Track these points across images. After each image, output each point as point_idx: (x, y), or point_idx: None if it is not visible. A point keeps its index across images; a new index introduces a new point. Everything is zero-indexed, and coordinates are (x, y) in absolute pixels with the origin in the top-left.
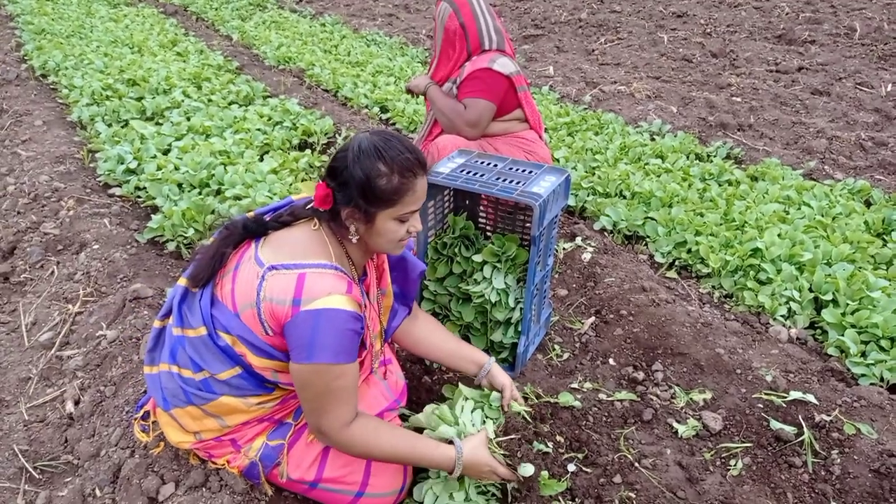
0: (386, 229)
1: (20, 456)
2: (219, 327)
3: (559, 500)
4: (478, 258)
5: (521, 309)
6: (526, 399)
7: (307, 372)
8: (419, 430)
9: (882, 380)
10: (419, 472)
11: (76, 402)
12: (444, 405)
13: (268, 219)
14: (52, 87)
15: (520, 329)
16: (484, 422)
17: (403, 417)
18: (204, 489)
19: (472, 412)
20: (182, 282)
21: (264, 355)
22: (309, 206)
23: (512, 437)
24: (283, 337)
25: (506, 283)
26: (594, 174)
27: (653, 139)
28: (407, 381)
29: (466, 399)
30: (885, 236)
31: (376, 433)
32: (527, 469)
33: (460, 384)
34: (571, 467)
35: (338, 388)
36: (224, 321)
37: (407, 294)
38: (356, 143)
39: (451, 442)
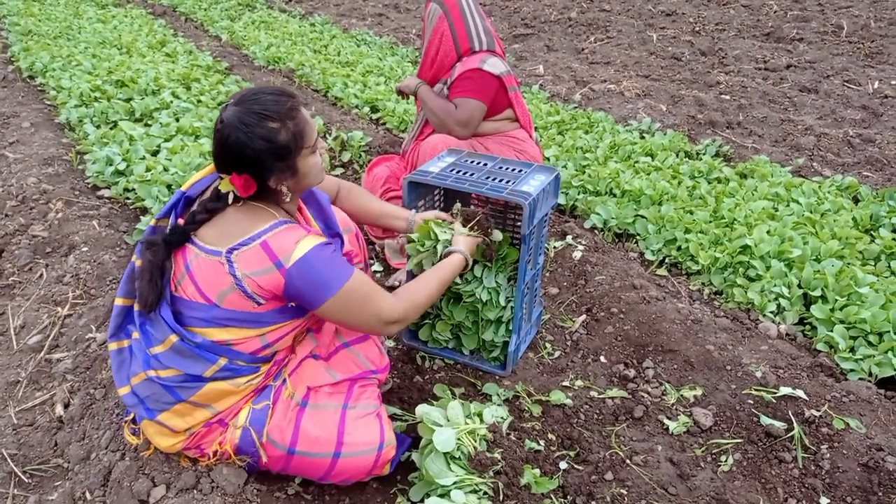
0: (309, 166)
1: (9, 460)
2: (195, 325)
3: (551, 498)
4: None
5: (511, 308)
6: (517, 398)
7: (334, 303)
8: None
9: (870, 375)
10: (406, 472)
11: (66, 406)
12: (426, 230)
13: (178, 219)
14: (39, 88)
15: (511, 328)
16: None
17: (395, 417)
18: (195, 491)
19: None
20: (121, 301)
21: (255, 326)
22: (231, 200)
23: (473, 222)
24: (277, 301)
25: (497, 281)
26: (584, 172)
27: (642, 137)
28: (398, 381)
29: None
30: (872, 232)
31: (413, 292)
32: (497, 234)
33: (430, 223)
34: (563, 465)
35: (364, 292)
36: (204, 315)
37: (329, 224)
38: (236, 122)
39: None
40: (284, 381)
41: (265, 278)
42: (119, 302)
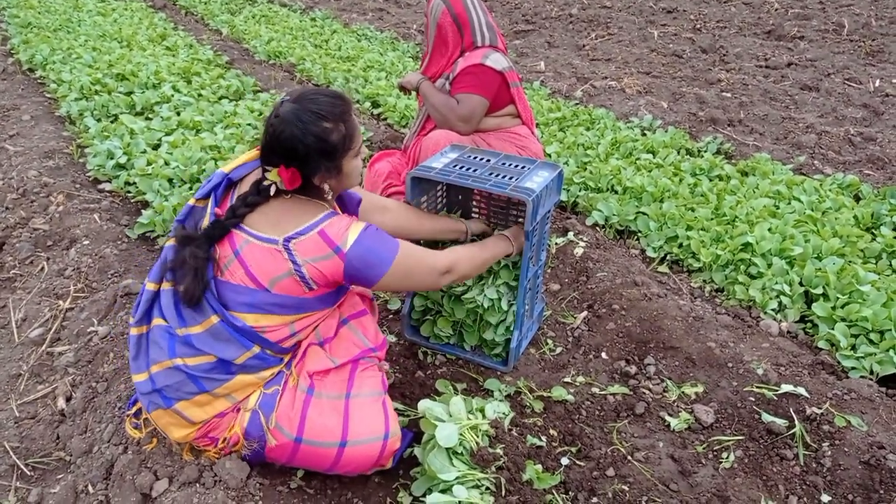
0: (352, 167)
1: (11, 453)
2: (238, 309)
3: (553, 494)
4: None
5: (513, 311)
6: (518, 394)
7: (392, 275)
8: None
9: (872, 372)
10: (409, 462)
11: (68, 399)
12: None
13: (215, 205)
14: (39, 81)
15: (511, 328)
16: None
17: (397, 412)
18: (198, 485)
19: None
20: (152, 286)
21: (293, 312)
22: (273, 192)
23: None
24: (328, 286)
25: (498, 291)
26: (586, 169)
27: (644, 134)
28: (400, 376)
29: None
30: (873, 230)
31: (456, 249)
32: None
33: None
34: (565, 461)
35: (414, 257)
36: (249, 299)
37: None
38: (293, 118)
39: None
40: (288, 365)
41: (325, 264)
42: (150, 287)
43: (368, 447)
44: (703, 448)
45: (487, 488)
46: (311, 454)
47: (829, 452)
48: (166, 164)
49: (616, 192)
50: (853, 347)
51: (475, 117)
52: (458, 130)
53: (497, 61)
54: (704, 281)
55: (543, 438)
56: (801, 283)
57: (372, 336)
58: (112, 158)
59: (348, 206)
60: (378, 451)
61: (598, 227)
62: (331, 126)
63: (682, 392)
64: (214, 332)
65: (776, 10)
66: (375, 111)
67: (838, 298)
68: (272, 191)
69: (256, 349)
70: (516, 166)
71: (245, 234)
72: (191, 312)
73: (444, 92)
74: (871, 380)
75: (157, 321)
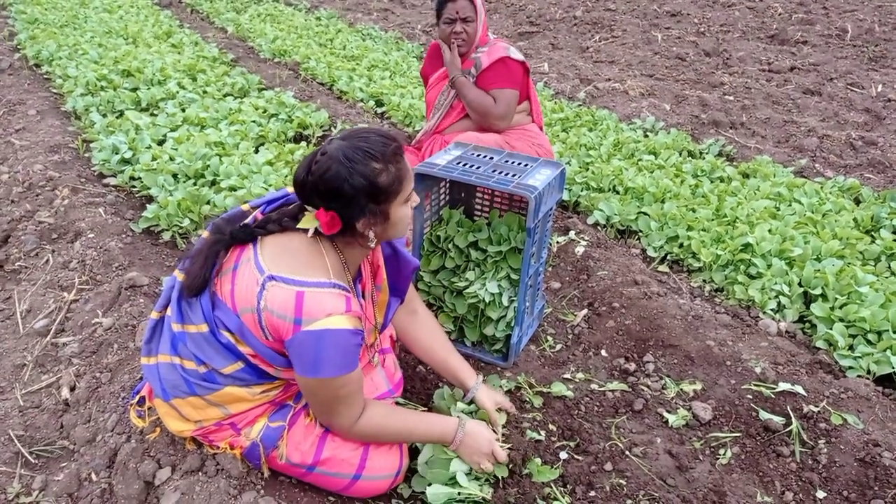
0: (400, 216)
1: (16, 441)
2: (220, 325)
3: (552, 487)
4: (482, 236)
5: (513, 307)
6: (518, 389)
7: (313, 384)
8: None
9: (869, 372)
10: (415, 458)
11: (72, 389)
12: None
13: (261, 216)
14: (45, 76)
15: (512, 324)
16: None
17: (401, 405)
18: (200, 473)
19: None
20: (179, 277)
21: (266, 356)
22: (311, 233)
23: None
24: (282, 345)
25: (499, 286)
26: (588, 169)
27: (646, 136)
28: (402, 370)
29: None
30: (873, 233)
31: (385, 420)
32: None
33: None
34: (564, 455)
35: (344, 394)
36: (226, 320)
37: (400, 288)
38: (340, 156)
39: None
40: (307, 405)
41: (279, 322)
42: (177, 274)
43: (380, 482)
44: (701, 444)
45: (487, 480)
46: (323, 480)
47: (825, 450)
48: (171, 159)
49: (617, 193)
50: (851, 347)
51: (511, 112)
52: (497, 127)
53: (517, 52)
54: (704, 280)
55: (543, 433)
56: (800, 284)
57: (390, 375)
58: (117, 153)
59: (402, 270)
60: (389, 484)
61: (599, 227)
62: (380, 167)
63: (681, 389)
64: (206, 338)
65: (780, 14)
66: (379, 110)
67: (837, 299)
68: (310, 233)
69: (241, 364)
70: (519, 164)
71: (252, 252)
72: (189, 312)
73: (475, 87)
74: (868, 379)
75: (170, 310)
